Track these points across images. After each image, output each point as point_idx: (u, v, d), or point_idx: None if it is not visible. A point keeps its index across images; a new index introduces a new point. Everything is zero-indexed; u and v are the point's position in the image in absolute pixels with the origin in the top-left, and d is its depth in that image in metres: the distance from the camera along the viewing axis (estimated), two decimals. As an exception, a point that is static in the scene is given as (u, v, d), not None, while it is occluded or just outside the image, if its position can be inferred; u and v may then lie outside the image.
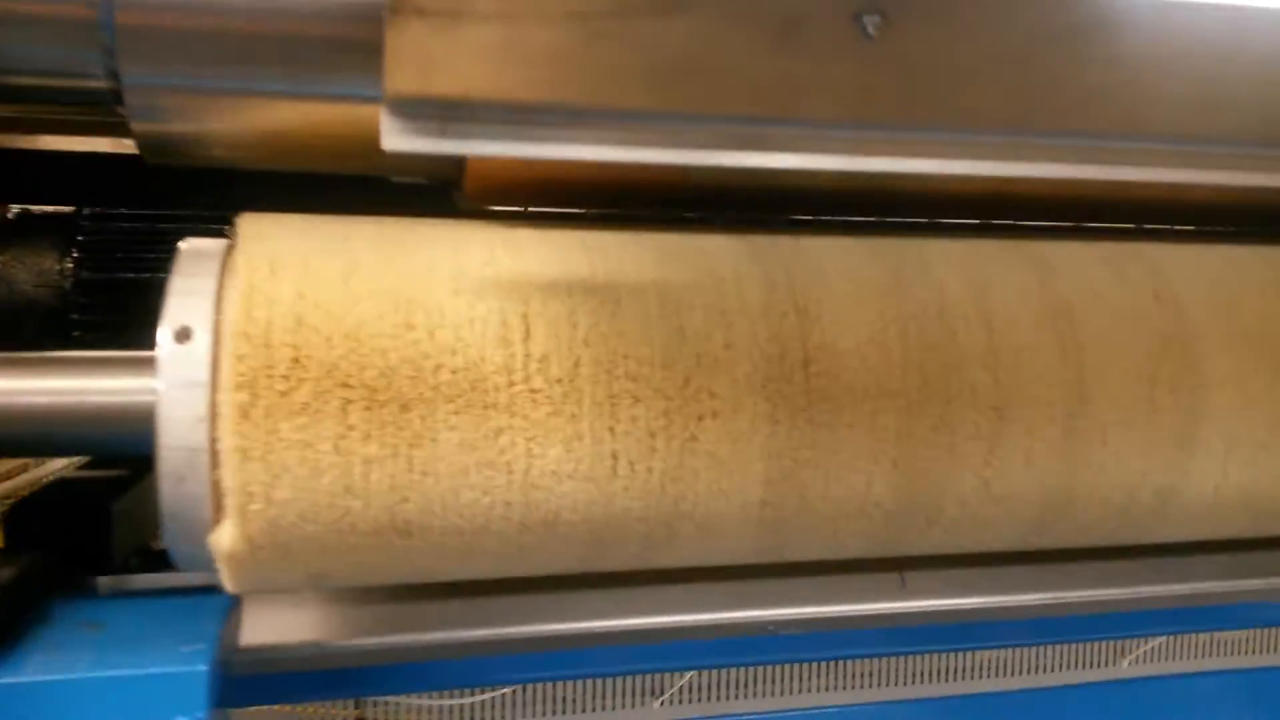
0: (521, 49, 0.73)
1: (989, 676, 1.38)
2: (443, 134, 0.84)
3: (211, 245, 0.88)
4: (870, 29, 0.71)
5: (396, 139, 0.82)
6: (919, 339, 0.94)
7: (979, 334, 0.95)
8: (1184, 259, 1.06)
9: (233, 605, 1.00)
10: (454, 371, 0.83)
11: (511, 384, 0.84)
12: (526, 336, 0.85)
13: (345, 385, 0.81)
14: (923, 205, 1.09)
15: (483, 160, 0.96)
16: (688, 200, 1.05)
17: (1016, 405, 0.95)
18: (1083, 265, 1.03)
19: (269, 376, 0.79)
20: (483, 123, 0.85)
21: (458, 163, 0.98)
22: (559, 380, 0.85)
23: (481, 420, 0.84)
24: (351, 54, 0.90)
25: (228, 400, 0.78)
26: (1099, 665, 1.43)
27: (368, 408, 0.81)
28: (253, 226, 0.88)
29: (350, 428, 0.81)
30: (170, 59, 0.89)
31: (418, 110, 0.82)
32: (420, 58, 0.73)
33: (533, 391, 0.85)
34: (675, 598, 1.16)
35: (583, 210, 1.04)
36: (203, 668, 0.87)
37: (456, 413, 0.83)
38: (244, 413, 0.78)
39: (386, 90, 0.77)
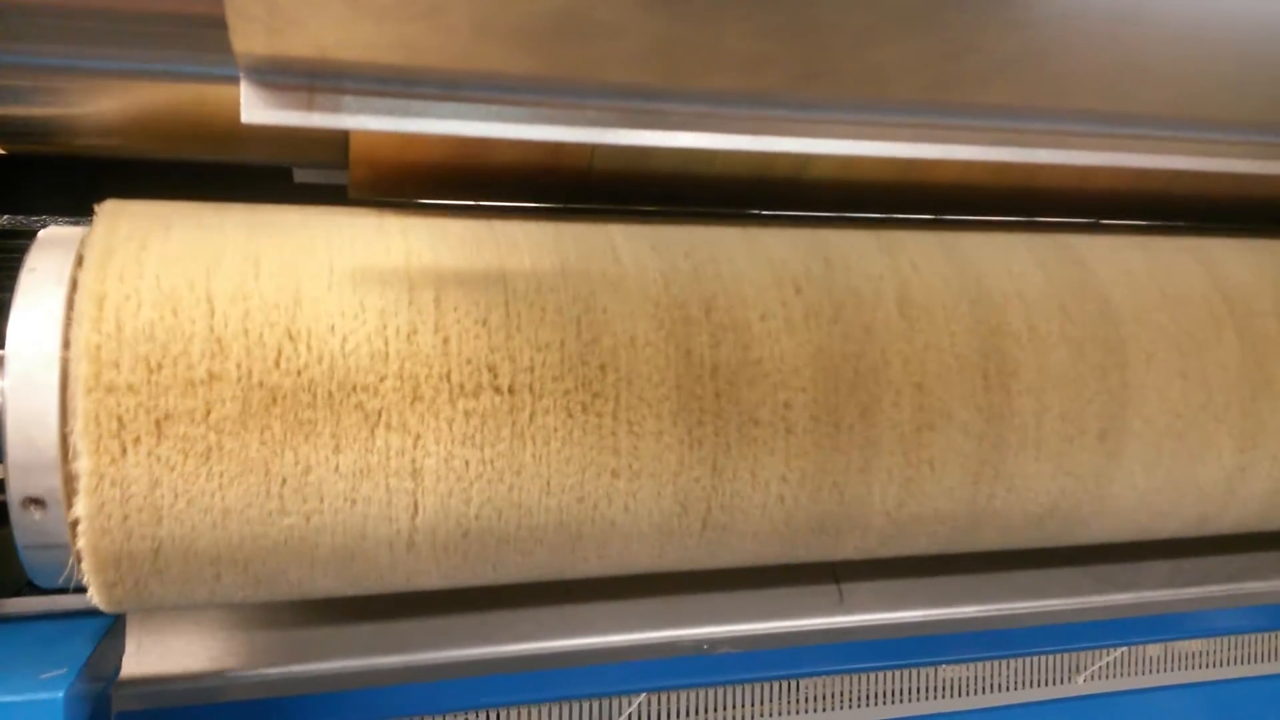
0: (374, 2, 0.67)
1: (940, 697, 1.32)
2: (310, 106, 0.78)
3: (62, 246, 0.80)
4: None
5: (257, 110, 0.76)
6: (834, 338, 0.88)
7: (898, 333, 0.90)
8: (1112, 253, 1.01)
9: (108, 630, 0.92)
10: (326, 375, 0.76)
11: (392, 387, 0.78)
12: (412, 334, 0.79)
13: (202, 399, 0.74)
14: (838, 195, 1.04)
15: (366, 143, 0.90)
16: (593, 189, 1.00)
17: (936, 407, 0.89)
18: (1006, 258, 0.97)
19: (121, 393, 0.72)
20: (353, 94, 0.79)
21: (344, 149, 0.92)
22: (446, 380, 0.79)
23: (360, 426, 0.77)
24: (219, 30, 0.84)
25: (78, 417, 0.72)
26: (1052, 683, 1.38)
27: (229, 419, 0.74)
28: (107, 229, 0.80)
29: (209, 442, 0.74)
30: (20, 35, 0.83)
31: (280, 78, 0.76)
32: (265, 7, 0.67)
33: (415, 394, 0.78)
34: (595, 617, 1.09)
35: (478, 202, 0.98)
36: (59, 695, 0.79)
37: (332, 418, 0.76)
38: (95, 430, 0.71)
39: (236, 49, 0.71)
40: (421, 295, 0.80)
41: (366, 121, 0.79)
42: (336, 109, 0.78)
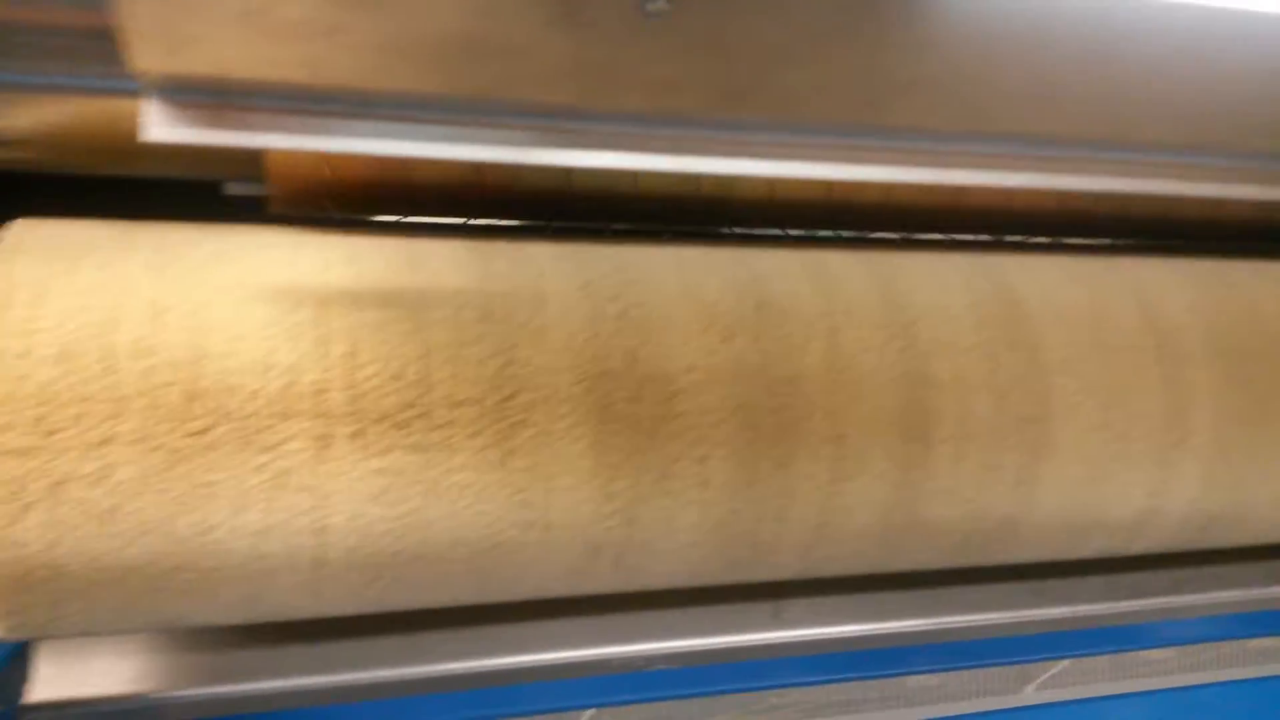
0: (269, 19, 0.66)
1: (874, 710, 1.31)
2: (215, 124, 0.76)
3: None
4: (651, 7, 0.64)
5: (159, 128, 0.74)
6: (757, 390, 0.86)
7: (823, 386, 0.88)
8: (1050, 290, 1.00)
9: (11, 655, 0.90)
10: (230, 434, 0.74)
11: (299, 447, 0.75)
12: (323, 391, 0.76)
13: (102, 461, 0.71)
14: (768, 213, 1.02)
15: (283, 161, 0.89)
16: (520, 207, 0.98)
17: (856, 429, 0.88)
18: (943, 299, 0.96)
19: (16, 458, 0.70)
20: (261, 112, 0.77)
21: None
22: (357, 437, 0.76)
23: (265, 486, 0.75)
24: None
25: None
26: (999, 693, 1.38)
27: (129, 481, 0.72)
28: (4, 274, 0.76)
29: (108, 505, 0.71)
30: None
31: (183, 96, 0.74)
32: (161, 26, 0.65)
33: (323, 452, 0.76)
34: (528, 635, 1.07)
35: (399, 219, 0.96)
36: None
37: (235, 479, 0.74)
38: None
39: (135, 68, 0.69)
40: (334, 349, 0.77)
41: (275, 140, 0.77)
42: (244, 127, 0.77)
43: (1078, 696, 1.44)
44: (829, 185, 1.00)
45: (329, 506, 0.76)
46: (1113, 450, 0.96)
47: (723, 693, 1.19)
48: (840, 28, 0.69)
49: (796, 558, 0.94)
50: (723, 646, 1.12)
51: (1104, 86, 0.78)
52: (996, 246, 1.08)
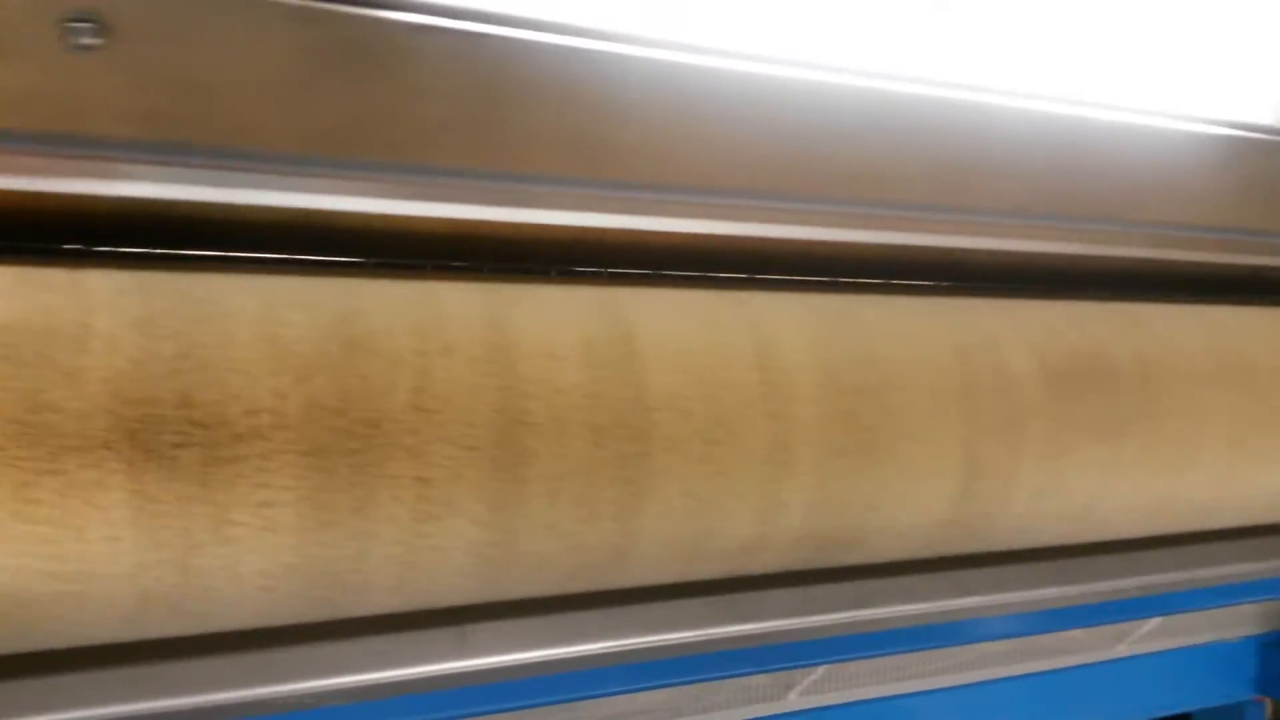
0: None
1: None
2: None
3: None
4: (82, 40, 0.60)
5: None
6: (334, 434, 0.84)
7: (407, 427, 0.86)
8: (666, 326, 1.02)
9: None
10: None
11: None
12: None
13: None
14: (377, 244, 1.00)
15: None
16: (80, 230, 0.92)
17: (443, 470, 0.88)
18: (550, 335, 0.95)
19: None
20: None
21: None
22: None
23: None
24: None
25: None
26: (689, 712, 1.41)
27: None
28: None
29: None
30: None
31: None
32: None
33: None
34: (171, 674, 1.01)
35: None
36: None
37: None
38: None
39: None
40: None
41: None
42: None
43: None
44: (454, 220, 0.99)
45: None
46: (716, 483, 1.00)
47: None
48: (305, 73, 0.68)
49: (392, 594, 0.93)
50: (404, 679, 1.09)
51: (638, 133, 0.81)
52: (625, 280, 1.09)
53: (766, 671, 1.47)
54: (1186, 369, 1.26)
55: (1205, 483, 1.29)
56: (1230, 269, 1.28)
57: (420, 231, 0.99)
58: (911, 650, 1.50)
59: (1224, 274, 1.30)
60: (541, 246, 1.03)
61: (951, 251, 1.12)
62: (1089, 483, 1.20)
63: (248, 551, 0.82)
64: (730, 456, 1.00)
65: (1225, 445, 1.28)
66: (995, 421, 1.13)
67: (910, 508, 1.11)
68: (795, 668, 1.47)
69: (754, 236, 1.02)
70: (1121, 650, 1.86)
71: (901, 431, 1.07)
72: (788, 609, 1.32)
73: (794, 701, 1.53)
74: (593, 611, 1.21)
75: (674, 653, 1.26)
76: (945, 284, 1.24)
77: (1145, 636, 1.87)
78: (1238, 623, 2.03)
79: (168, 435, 0.79)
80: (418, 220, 0.97)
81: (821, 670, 1.51)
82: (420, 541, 0.89)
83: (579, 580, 1.01)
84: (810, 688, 1.58)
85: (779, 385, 1.03)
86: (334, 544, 0.86)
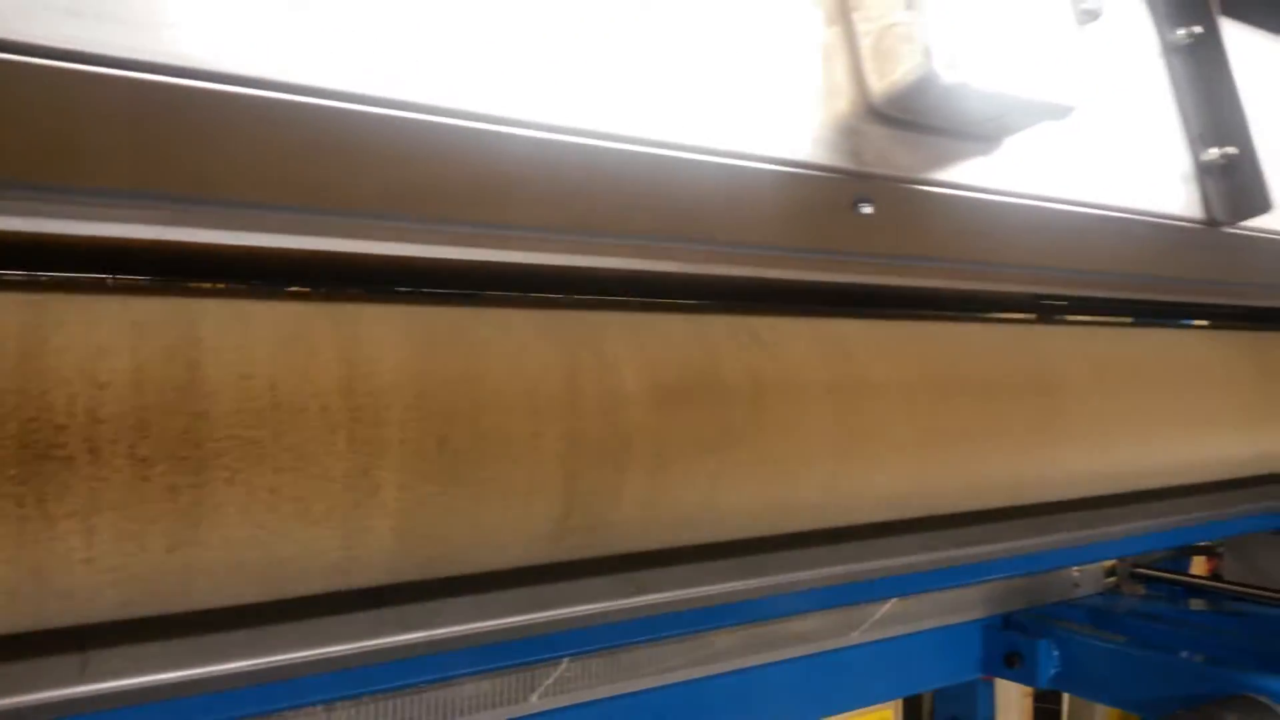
0: None
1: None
2: None
3: None
4: None
5: None
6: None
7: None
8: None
9: None
10: None
11: None
12: None
13: None
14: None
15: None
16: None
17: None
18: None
19: None
20: None
21: None
22: None
23: None
24: None
25: None
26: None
27: None
28: None
29: None
30: None
31: None
32: None
33: None
34: None
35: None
36: None
37: None
38: None
39: None
40: None
41: None
42: None
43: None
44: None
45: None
46: (288, 510, 0.98)
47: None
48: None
49: None
50: (20, 707, 1.01)
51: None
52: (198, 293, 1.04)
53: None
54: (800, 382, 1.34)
55: (814, 487, 1.39)
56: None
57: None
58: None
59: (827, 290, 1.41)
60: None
61: (566, 268, 1.14)
62: (697, 492, 1.26)
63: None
64: (303, 484, 0.98)
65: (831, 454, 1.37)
66: (600, 436, 1.16)
67: (510, 526, 1.13)
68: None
69: (346, 252, 0.99)
70: (855, 637, 2.01)
71: (496, 454, 1.09)
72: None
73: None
74: (234, 631, 1.15)
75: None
76: (560, 296, 1.27)
77: (877, 624, 2.02)
78: (964, 608, 2.23)
79: None
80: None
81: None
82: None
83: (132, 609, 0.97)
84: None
85: (364, 411, 1.01)
86: None
